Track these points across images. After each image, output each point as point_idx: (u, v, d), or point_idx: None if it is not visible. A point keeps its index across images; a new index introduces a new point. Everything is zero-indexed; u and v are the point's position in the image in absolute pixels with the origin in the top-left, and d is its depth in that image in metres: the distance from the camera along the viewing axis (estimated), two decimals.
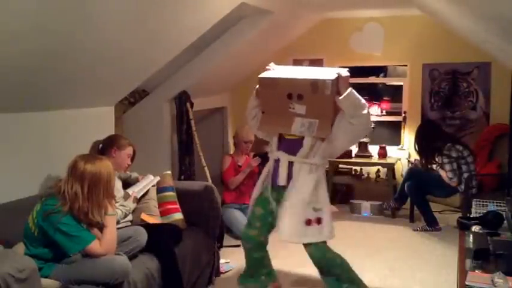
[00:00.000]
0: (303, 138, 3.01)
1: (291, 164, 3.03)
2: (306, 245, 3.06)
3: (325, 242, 3.05)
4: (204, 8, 3.75)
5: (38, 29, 2.51)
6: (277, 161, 3.10)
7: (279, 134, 3.13)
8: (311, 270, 3.85)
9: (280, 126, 3.08)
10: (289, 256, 4.15)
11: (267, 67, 3.15)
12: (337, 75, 2.89)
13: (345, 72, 2.94)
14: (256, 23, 4.88)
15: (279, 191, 3.09)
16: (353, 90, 2.92)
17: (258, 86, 3.13)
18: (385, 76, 6.43)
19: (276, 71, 3.13)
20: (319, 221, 2.99)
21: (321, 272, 3.14)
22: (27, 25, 2.42)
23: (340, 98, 2.89)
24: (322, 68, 3.22)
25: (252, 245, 3.25)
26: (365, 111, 2.92)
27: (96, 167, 2.65)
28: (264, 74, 3.08)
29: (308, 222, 2.97)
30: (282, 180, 3.05)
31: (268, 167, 3.20)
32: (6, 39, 2.41)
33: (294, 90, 2.96)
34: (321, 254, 3.04)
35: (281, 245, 4.01)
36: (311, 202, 2.98)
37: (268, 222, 3.19)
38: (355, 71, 6.17)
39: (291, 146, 3.04)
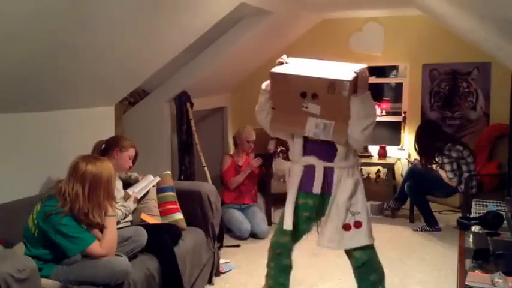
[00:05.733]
0: None
1: (325, 169, 2.79)
2: (350, 251, 2.86)
3: (372, 245, 2.86)
4: (204, 8, 3.75)
5: (38, 30, 2.51)
6: (307, 167, 2.82)
7: (304, 136, 2.84)
8: (311, 270, 3.85)
9: (292, 125, 2.83)
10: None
11: (280, 59, 2.87)
12: (356, 75, 2.66)
13: (364, 70, 2.71)
14: (256, 23, 4.87)
15: (314, 198, 2.85)
16: (369, 96, 2.71)
17: (268, 82, 2.87)
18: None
19: (289, 64, 2.86)
20: (358, 224, 2.78)
21: (359, 276, 2.92)
22: (27, 25, 2.42)
23: (354, 98, 2.65)
24: (339, 63, 2.87)
25: (282, 250, 2.99)
26: (367, 123, 2.67)
27: (97, 167, 2.65)
28: (276, 69, 2.81)
29: (347, 227, 2.77)
30: (316, 188, 2.80)
31: (295, 175, 2.88)
32: (6, 40, 2.41)
33: (308, 89, 2.71)
34: (368, 256, 2.84)
35: None
36: (350, 206, 2.78)
37: (303, 230, 2.94)
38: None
39: (322, 149, 2.79)
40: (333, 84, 2.64)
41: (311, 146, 2.82)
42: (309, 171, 2.82)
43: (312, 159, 2.81)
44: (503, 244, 2.72)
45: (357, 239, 2.79)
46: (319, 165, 2.78)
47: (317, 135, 2.74)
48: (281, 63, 2.86)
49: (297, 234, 2.93)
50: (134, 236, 2.97)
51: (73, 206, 2.57)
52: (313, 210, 2.87)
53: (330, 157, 2.78)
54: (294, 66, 2.84)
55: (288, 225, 2.83)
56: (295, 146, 2.87)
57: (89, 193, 2.61)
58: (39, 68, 2.84)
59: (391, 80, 6.48)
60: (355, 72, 2.66)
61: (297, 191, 2.85)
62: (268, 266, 3.03)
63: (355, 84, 2.66)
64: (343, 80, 2.62)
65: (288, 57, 2.94)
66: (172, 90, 5.00)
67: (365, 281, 2.89)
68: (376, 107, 5.97)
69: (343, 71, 2.71)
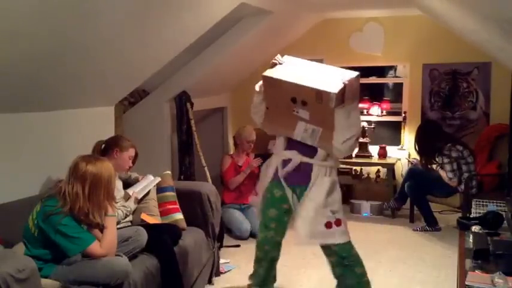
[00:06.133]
0: None
1: (303, 164, 2.90)
2: (327, 248, 2.97)
3: (349, 241, 2.97)
4: (204, 8, 3.75)
5: (37, 30, 2.51)
6: (286, 161, 2.95)
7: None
8: (310, 271, 3.85)
9: (283, 127, 2.92)
10: (288, 256, 4.15)
11: (274, 60, 2.91)
12: (343, 85, 2.68)
13: (353, 80, 2.73)
14: (256, 23, 4.88)
15: (294, 190, 2.98)
16: (355, 107, 2.76)
17: (261, 83, 2.94)
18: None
19: (282, 67, 2.88)
20: (338, 222, 2.89)
21: (344, 271, 3.03)
22: (27, 26, 2.42)
23: (338, 109, 2.70)
24: (332, 69, 2.89)
25: (270, 246, 3.12)
26: (351, 134, 2.74)
27: (98, 167, 2.64)
28: (268, 72, 2.86)
29: (328, 225, 2.87)
30: (281, 174, 2.93)
31: (271, 166, 3.04)
32: (6, 40, 2.41)
33: (298, 95, 2.76)
34: (347, 251, 2.96)
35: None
36: (328, 205, 2.88)
37: (285, 222, 3.08)
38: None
39: (305, 147, 2.88)
40: (320, 94, 2.68)
41: (294, 142, 2.91)
42: (285, 164, 2.94)
43: (291, 153, 2.92)
44: (503, 244, 2.72)
45: (338, 236, 2.89)
46: (297, 158, 2.89)
47: (304, 139, 2.83)
48: (274, 65, 2.90)
49: (280, 227, 3.06)
50: (134, 236, 2.97)
51: (73, 206, 2.57)
52: (291, 202, 2.98)
53: (310, 154, 2.88)
54: (287, 69, 2.86)
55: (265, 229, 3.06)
56: (280, 140, 2.99)
57: (89, 193, 2.61)
58: (39, 68, 2.84)
59: (391, 80, 6.48)
60: (343, 83, 2.69)
61: (271, 180, 3.00)
62: (257, 263, 3.15)
63: (343, 94, 2.69)
64: (330, 92, 2.65)
65: (282, 56, 2.96)
66: (172, 90, 5.00)
67: (351, 275, 3.00)
68: (377, 107, 5.99)
69: (333, 79, 2.73)
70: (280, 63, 2.90)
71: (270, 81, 2.84)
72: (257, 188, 3.25)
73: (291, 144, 2.94)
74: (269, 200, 3.07)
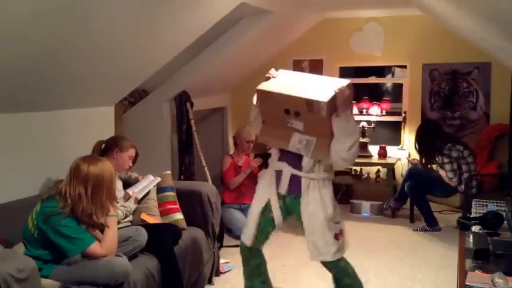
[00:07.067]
0: None
1: (294, 176, 2.91)
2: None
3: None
4: (204, 8, 3.75)
5: (37, 30, 2.51)
6: (279, 172, 2.96)
7: None
8: (310, 271, 3.85)
9: (279, 139, 2.94)
10: (288, 256, 4.16)
11: (267, 74, 2.95)
12: (334, 94, 2.69)
13: (344, 88, 2.73)
14: (256, 23, 4.88)
15: (284, 200, 2.97)
16: (349, 115, 2.77)
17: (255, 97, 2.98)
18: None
19: (275, 80, 2.93)
20: (342, 232, 2.91)
21: (337, 281, 3.04)
22: (27, 26, 2.42)
23: (335, 118, 2.72)
24: (326, 80, 2.94)
25: (249, 253, 3.13)
26: (352, 141, 2.75)
27: (99, 168, 2.65)
28: (261, 86, 2.89)
29: (337, 237, 2.87)
30: (282, 189, 2.94)
31: (268, 177, 3.03)
32: (6, 40, 2.41)
33: (290, 107, 2.80)
34: (345, 263, 2.96)
35: (279, 245, 4.01)
36: (333, 217, 2.88)
37: (268, 231, 3.07)
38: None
39: (294, 158, 2.89)
40: (311, 104, 2.71)
41: (287, 154, 2.94)
42: (278, 175, 2.97)
43: (282, 165, 2.94)
44: (503, 244, 2.71)
45: (344, 245, 2.92)
46: (287, 169, 2.92)
47: (299, 150, 2.85)
48: (268, 78, 2.94)
49: (261, 236, 3.05)
50: (134, 236, 2.97)
51: (76, 207, 2.57)
52: (279, 210, 2.96)
53: (299, 165, 2.89)
54: (280, 82, 2.91)
55: (246, 237, 3.05)
56: (274, 152, 3.03)
57: (92, 194, 2.61)
58: (39, 68, 2.84)
59: (391, 80, 6.48)
60: (334, 91, 2.71)
61: (275, 193, 2.97)
62: (243, 265, 3.17)
63: (334, 103, 2.71)
64: (320, 101, 2.68)
65: (277, 70, 3.01)
66: (172, 90, 5.00)
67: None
68: (376, 107, 5.99)
69: (324, 89, 2.75)
70: (274, 77, 2.95)
71: (263, 95, 2.89)
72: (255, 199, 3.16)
73: (282, 155, 2.98)
74: (262, 210, 3.03)
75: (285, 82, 2.91)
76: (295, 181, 2.91)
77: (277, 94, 2.81)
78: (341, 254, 2.90)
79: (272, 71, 2.98)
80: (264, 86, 2.89)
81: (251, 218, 3.07)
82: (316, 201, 2.87)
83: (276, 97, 2.82)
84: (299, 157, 2.88)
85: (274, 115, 2.91)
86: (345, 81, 2.81)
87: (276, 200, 2.97)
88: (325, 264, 2.95)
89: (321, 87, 2.78)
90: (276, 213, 2.98)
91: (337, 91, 2.71)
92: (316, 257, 2.90)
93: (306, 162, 2.86)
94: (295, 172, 2.90)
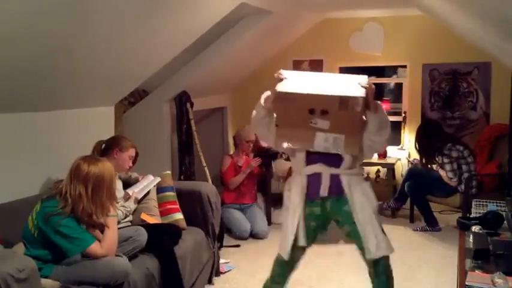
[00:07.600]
0: None
1: (332, 176, 2.78)
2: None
3: None
4: (204, 8, 3.75)
5: (37, 30, 2.51)
6: (312, 176, 2.79)
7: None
8: (310, 271, 3.85)
9: (300, 141, 2.80)
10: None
11: (279, 75, 2.80)
12: (365, 89, 2.66)
13: (370, 82, 2.71)
14: (256, 23, 4.87)
15: (318, 205, 2.82)
16: (379, 104, 2.75)
17: (268, 97, 2.81)
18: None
19: (292, 81, 2.81)
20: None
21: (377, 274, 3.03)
22: (27, 26, 2.42)
23: (372, 114, 2.69)
24: (339, 76, 2.91)
25: (281, 280, 3.01)
26: (388, 131, 2.75)
27: (99, 168, 2.65)
28: (281, 88, 2.75)
29: (383, 231, 2.87)
30: (324, 191, 2.78)
31: (298, 183, 2.83)
32: (6, 40, 2.41)
33: (317, 106, 2.69)
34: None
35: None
36: (377, 210, 2.84)
37: (308, 243, 2.89)
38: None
39: (329, 158, 2.77)
40: (345, 101, 2.66)
41: (317, 156, 2.79)
42: (313, 179, 2.79)
43: (317, 167, 2.79)
44: (503, 244, 2.71)
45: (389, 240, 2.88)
46: (326, 171, 2.78)
47: (328, 149, 2.74)
48: (281, 80, 2.81)
49: (309, 242, 2.85)
50: (134, 236, 2.97)
51: (76, 207, 2.57)
52: (319, 218, 2.84)
53: (336, 164, 2.78)
54: (297, 82, 2.81)
55: (302, 241, 2.79)
56: (299, 157, 2.84)
57: (92, 194, 2.61)
58: (39, 67, 2.84)
59: (391, 80, 6.48)
60: (363, 86, 2.68)
61: (304, 200, 2.80)
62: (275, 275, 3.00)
63: (367, 98, 2.68)
64: (357, 97, 2.64)
65: (277, 70, 2.89)
66: (172, 90, 5.00)
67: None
68: None
69: (351, 85, 2.72)
70: (285, 78, 2.82)
71: (284, 97, 2.76)
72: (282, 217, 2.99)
73: (313, 158, 2.81)
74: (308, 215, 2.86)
75: (303, 82, 2.82)
76: (333, 182, 2.79)
77: (303, 94, 2.71)
78: (392, 248, 2.87)
79: (282, 72, 2.85)
80: (284, 87, 2.77)
81: (289, 229, 2.81)
82: (362, 196, 2.79)
83: (301, 98, 2.72)
84: (332, 156, 2.78)
85: (293, 117, 2.78)
86: (364, 77, 2.77)
87: (312, 209, 2.82)
88: (376, 261, 2.90)
89: (346, 84, 2.75)
90: (317, 221, 2.86)
91: (367, 86, 2.69)
92: (375, 252, 2.83)
93: (347, 159, 2.76)
94: (336, 171, 2.78)
